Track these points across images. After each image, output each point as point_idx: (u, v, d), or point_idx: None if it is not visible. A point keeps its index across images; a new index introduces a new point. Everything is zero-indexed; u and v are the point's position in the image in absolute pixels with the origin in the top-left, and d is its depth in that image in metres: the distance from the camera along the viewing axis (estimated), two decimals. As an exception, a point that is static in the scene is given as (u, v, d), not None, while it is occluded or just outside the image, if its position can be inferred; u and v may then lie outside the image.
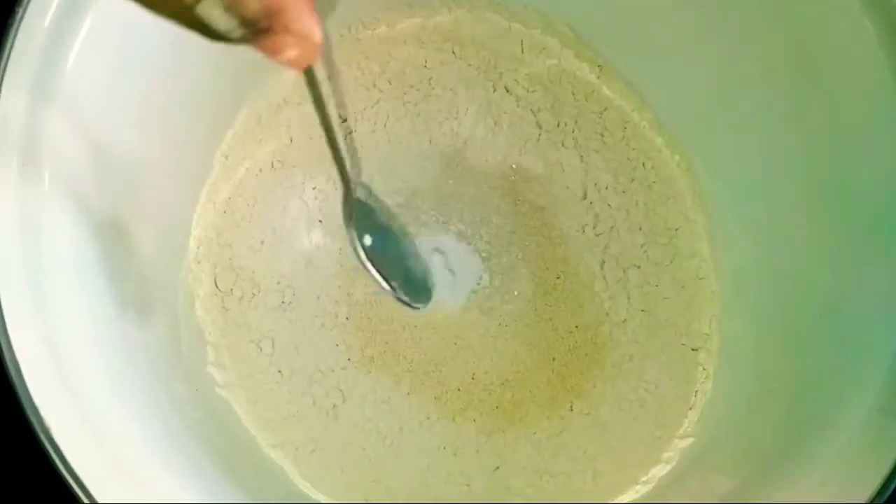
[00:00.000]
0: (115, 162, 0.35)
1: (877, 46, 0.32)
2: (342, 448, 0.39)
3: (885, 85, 0.32)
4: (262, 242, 0.41)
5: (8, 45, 0.28)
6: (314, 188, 0.43)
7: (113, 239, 0.34)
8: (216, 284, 0.40)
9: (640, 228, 0.43)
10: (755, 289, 0.41)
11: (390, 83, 0.43)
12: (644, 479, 0.39)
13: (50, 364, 0.27)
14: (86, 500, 0.25)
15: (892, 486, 0.27)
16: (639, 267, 0.42)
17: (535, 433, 0.40)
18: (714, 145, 0.42)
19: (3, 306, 0.26)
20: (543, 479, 0.39)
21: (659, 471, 0.39)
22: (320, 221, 0.42)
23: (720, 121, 0.41)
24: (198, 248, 0.41)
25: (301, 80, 0.42)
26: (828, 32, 0.34)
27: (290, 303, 0.41)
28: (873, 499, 0.27)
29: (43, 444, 0.25)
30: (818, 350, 0.35)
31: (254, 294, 0.41)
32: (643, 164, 0.44)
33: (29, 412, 0.25)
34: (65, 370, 0.28)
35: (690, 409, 0.40)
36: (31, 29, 0.28)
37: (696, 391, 0.41)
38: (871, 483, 0.27)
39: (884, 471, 0.27)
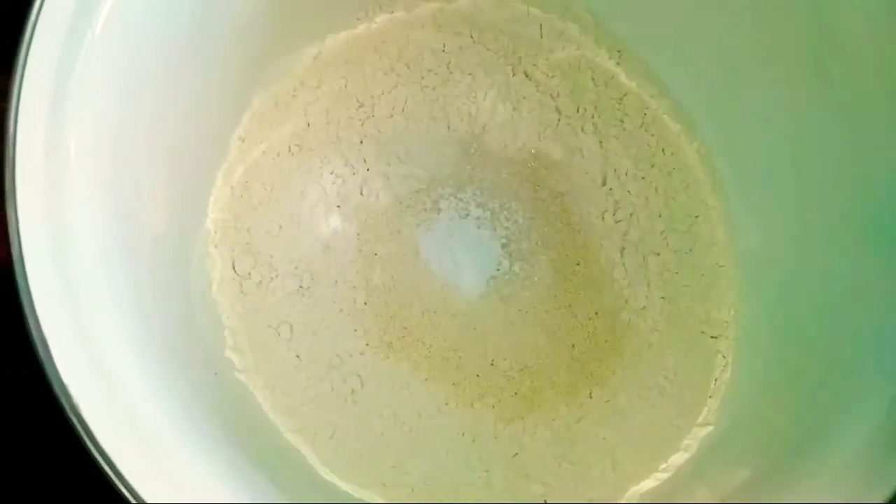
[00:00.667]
0: (133, 141, 0.34)
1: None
2: (361, 433, 0.39)
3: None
4: (280, 227, 0.41)
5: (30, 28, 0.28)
6: (332, 172, 0.42)
7: (129, 219, 0.34)
8: (234, 268, 0.40)
9: (659, 215, 0.43)
10: (774, 277, 0.41)
11: (408, 67, 0.43)
12: (663, 466, 0.39)
13: (75, 338, 0.27)
14: (111, 474, 0.25)
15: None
16: (658, 254, 0.42)
17: (554, 420, 0.40)
18: (734, 133, 0.42)
19: (33, 291, 0.26)
20: (562, 467, 0.39)
21: (678, 459, 0.39)
22: (338, 206, 0.42)
23: (740, 108, 0.41)
24: (215, 231, 0.40)
25: (317, 61, 0.43)
26: (852, 20, 0.34)
27: (309, 288, 0.41)
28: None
29: (73, 423, 0.25)
30: (837, 339, 0.35)
31: (272, 278, 0.40)
32: (663, 151, 0.43)
33: (58, 390, 0.25)
34: (90, 346, 0.27)
35: (710, 397, 0.40)
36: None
37: (716, 379, 0.40)
38: (893, 478, 0.27)
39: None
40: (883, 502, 0.27)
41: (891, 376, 0.31)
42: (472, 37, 0.44)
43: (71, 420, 0.25)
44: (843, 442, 0.31)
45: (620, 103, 0.44)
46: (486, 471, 0.39)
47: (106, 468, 0.25)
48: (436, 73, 0.43)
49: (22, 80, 0.27)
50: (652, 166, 0.43)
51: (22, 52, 0.27)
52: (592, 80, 0.44)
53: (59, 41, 0.28)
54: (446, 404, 0.40)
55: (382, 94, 0.43)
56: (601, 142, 0.43)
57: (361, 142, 0.43)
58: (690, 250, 0.42)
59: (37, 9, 0.27)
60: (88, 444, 0.25)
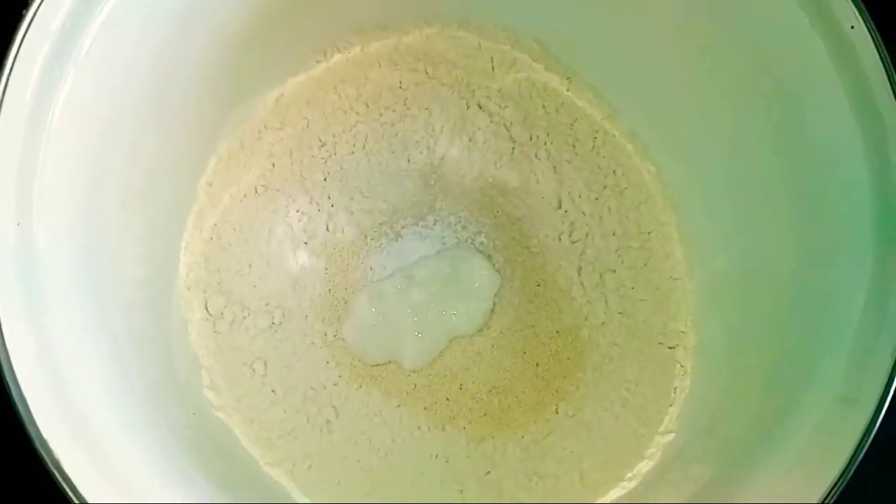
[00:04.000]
0: (103, 192, 0.36)
1: (826, 58, 0.34)
2: (338, 462, 0.40)
3: (835, 93, 0.34)
4: (250, 266, 0.42)
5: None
6: (298, 210, 0.44)
7: (102, 270, 0.35)
8: (207, 309, 0.41)
9: (613, 234, 0.44)
10: (727, 286, 0.42)
11: (367, 105, 0.45)
12: (629, 475, 0.40)
13: (53, 395, 0.28)
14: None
15: (851, 473, 0.29)
16: (614, 271, 0.44)
17: (522, 437, 0.42)
18: (683, 151, 0.44)
19: (6, 335, 0.27)
20: (533, 481, 0.41)
21: (643, 467, 0.41)
22: (305, 243, 0.44)
23: (687, 127, 0.43)
24: (187, 274, 0.42)
25: (279, 104, 0.44)
26: (782, 44, 0.36)
27: (280, 323, 0.42)
28: (835, 483, 0.29)
29: (53, 474, 0.26)
30: (785, 343, 0.37)
31: (244, 317, 0.42)
32: (614, 172, 0.45)
33: (38, 445, 0.26)
34: (68, 401, 0.29)
35: (670, 405, 0.42)
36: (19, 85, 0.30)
37: (675, 388, 0.42)
38: (834, 469, 0.29)
39: (844, 457, 0.29)
40: (818, 502, 0.29)
41: (830, 377, 0.33)
42: (426, 72, 0.45)
43: (53, 474, 0.26)
44: (790, 440, 0.33)
45: (571, 128, 0.45)
46: (461, 490, 0.41)
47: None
48: (393, 110, 0.45)
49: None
50: (604, 187, 0.45)
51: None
52: (544, 107, 0.45)
53: (22, 122, 0.30)
54: (419, 428, 0.41)
55: (343, 132, 0.45)
56: (555, 167, 0.45)
57: (325, 179, 0.44)
58: (645, 265, 0.44)
59: (4, 81, 0.29)
60: (70, 495, 0.26)
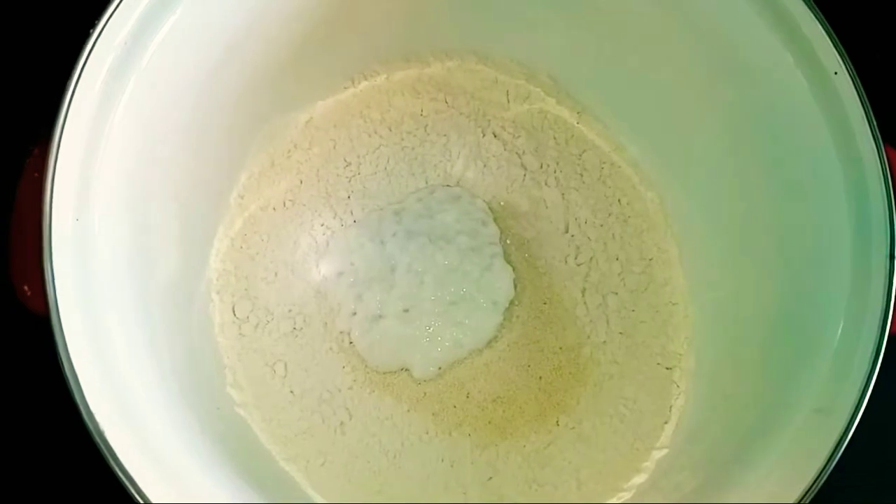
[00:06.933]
0: (149, 197, 0.38)
1: (811, 98, 0.36)
2: (349, 461, 0.42)
3: (820, 132, 0.37)
4: (276, 274, 0.45)
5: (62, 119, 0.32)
6: (322, 224, 0.47)
7: (144, 274, 0.38)
8: (234, 313, 0.44)
9: (617, 259, 0.47)
10: (724, 312, 0.45)
11: (390, 130, 0.48)
12: (625, 486, 0.42)
13: (105, 382, 0.31)
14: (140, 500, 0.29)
15: (824, 480, 0.31)
16: (616, 294, 0.46)
17: (524, 446, 0.44)
18: (685, 183, 0.47)
19: (65, 330, 0.30)
20: (532, 489, 0.43)
21: (638, 479, 0.42)
22: (328, 255, 0.46)
23: (689, 160, 0.46)
24: (216, 279, 0.44)
25: (309, 126, 0.47)
26: (772, 84, 0.39)
27: (301, 329, 0.45)
28: (810, 486, 0.31)
29: (100, 447, 0.29)
30: (772, 363, 0.39)
31: (268, 321, 0.44)
32: (619, 201, 0.48)
33: (87, 421, 0.29)
34: (116, 387, 0.31)
35: (666, 422, 0.44)
36: (82, 96, 0.33)
37: (671, 406, 0.44)
38: (810, 472, 0.31)
39: (820, 461, 0.31)
40: (795, 502, 0.31)
41: (810, 391, 0.35)
42: (446, 102, 0.49)
43: (98, 445, 0.29)
44: (770, 450, 0.35)
45: (580, 159, 0.48)
46: (464, 493, 0.43)
47: (124, 480, 0.29)
48: (414, 135, 0.48)
49: (56, 159, 0.31)
50: (609, 215, 0.48)
51: (55, 138, 0.32)
52: (554, 138, 0.49)
53: (85, 128, 0.33)
54: (426, 433, 0.44)
55: (367, 154, 0.48)
56: (563, 194, 0.48)
57: (349, 197, 0.47)
58: (646, 289, 0.47)
59: (67, 101, 0.32)
60: (112, 464, 0.29)
